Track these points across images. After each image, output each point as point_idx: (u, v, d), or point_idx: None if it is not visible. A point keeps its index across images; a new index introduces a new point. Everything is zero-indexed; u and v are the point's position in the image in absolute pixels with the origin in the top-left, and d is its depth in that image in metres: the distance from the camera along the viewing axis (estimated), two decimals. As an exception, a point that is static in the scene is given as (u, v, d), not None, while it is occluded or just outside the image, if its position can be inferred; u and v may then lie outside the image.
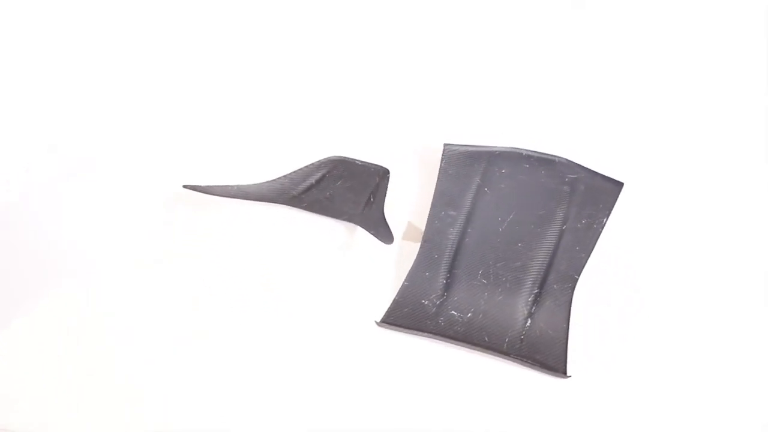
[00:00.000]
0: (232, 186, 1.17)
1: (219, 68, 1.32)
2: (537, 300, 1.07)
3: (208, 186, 1.14)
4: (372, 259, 1.15)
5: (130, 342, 1.07)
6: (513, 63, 1.40)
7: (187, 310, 1.10)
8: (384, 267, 1.14)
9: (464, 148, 1.25)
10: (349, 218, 1.19)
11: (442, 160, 1.24)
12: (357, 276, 1.13)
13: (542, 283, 1.09)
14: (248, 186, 1.18)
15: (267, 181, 1.20)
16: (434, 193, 1.20)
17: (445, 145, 1.25)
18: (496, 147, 1.25)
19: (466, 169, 1.22)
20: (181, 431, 0.98)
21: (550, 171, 1.20)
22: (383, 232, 1.17)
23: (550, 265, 1.11)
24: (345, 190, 1.22)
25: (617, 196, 1.17)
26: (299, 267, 1.13)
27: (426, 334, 1.03)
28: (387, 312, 1.06)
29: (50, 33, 1.30)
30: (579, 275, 1.10)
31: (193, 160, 1.22)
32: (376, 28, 1.38)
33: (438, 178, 1.22)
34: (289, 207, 1.19)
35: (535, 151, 1.23)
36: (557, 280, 1.09)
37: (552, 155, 1.21)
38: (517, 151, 1.23)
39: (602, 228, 1.14)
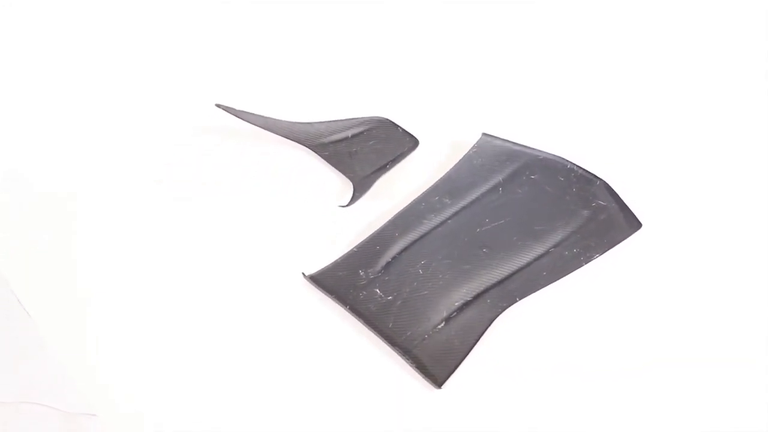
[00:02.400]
0: (266, 117, 1.22)
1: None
2: (462, 308, 0.93)
3: (241, 110, 1.21)
4: (344, 221, 1.09)
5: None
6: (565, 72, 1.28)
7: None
8: (351, 231, 1.08)
9: (503, 143, 1.13)
10: (353, 177, 1.15)
11: (472, 148, 1.14)
12: (323, 233, 1.08)
13: (479, 294, 0.94)
14: (281, 121, 1.22)
15: (303, 122, 1.22)
16: (443, 176, 1.11)
17: (483, 134, 1.15)
18: (540, 151, 1.11)
19: (494, 163, 1.10)
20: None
21: (582, 191, 1.03)
22: (359, 196, 1.12)
23: (502, 280, 0.95)
24: (372, 151, 1.19)
25: (627, 237, 0.97)
26: (281, 209, 1.12)
27: (341, 303, 0.96)
28: (322, 270, 1.00)
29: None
30: (522, 299, 0.93)
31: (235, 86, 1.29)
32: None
33: (457, 163, 1.12)
34: (308, 151, 1.20)
35: (580, 167, 1.07)
36: (495, 296, 0.93)
37: (594, 176, 1.04)
38: (562, 161, 1.08)
39: (588, 263, 0.95)
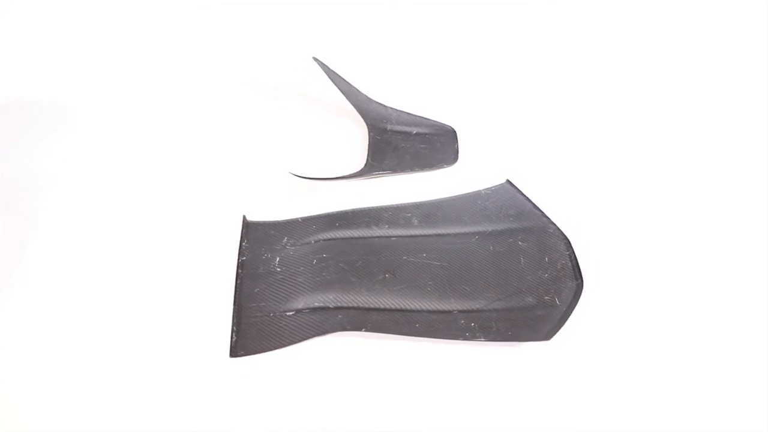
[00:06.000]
0: (350, 84, 1.20)
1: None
2: (317, 310, 0.83)
3: (331, 70, 1.21)
4: (332, 196, 1.03)
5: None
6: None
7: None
8: (329, 206, 1.00)
9: (521, 198, 1.02)
10: (372, 164, 1.08)
11: (487, 189, 1.00)
12: (313, 201, 1.03)
13: (340, 307, 0.83)
14: (362, 93, 1.19)
15: (380, 103, 1.19)
16: (436, 199, 0.99)
17: (507, 181, 1.03)
18: (553, 223, 0.96)
19: (497, 213, 0.97)
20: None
21: (552, 281, 0.90)
22: (347, 178, 1.04)
23: (369, 308, 0.83)
24: (414, 153, 1.13)
25: (529, 341, 0.81)
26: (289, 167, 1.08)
27: (239, 254, 0.90)
28: (261, 222, 0.95)
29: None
30: (369, 332, 0.81)
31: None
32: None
33: (461, 195, 1.00)
34: (365, 129, 1.16)
35: (575, 259, 0.90)
36: (350, 317, 0.83)
37: (579, 274, 0.88)
38: (564, 245, 0.93)
39: (467, 341, 0.81)
